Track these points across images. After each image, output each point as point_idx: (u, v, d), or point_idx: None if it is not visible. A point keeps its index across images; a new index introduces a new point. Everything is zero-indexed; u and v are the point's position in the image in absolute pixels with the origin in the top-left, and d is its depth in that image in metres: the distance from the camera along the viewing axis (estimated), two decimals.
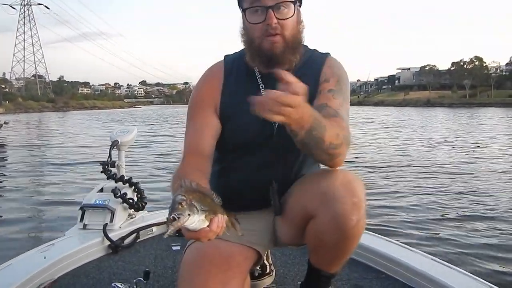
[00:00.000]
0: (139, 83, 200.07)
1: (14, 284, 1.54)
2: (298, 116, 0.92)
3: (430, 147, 11.13)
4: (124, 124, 24.73)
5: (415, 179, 6.48)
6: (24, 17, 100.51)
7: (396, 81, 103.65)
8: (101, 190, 2.21)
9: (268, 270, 1.58)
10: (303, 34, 1.22)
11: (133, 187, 2.20)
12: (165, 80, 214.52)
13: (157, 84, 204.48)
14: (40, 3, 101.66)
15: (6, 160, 9.86)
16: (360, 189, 1.06)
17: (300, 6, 1.22)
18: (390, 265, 1.74)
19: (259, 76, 1.25)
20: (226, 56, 1.33)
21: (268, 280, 1.58)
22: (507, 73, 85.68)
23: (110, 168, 2.09)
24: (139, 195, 2.22)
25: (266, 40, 1.15)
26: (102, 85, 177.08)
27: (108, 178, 2.09)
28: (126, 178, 2.17)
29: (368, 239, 1.89)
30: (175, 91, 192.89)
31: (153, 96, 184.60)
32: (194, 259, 1.17)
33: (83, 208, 2.11)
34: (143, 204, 2.22)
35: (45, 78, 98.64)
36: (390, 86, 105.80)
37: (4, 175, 7.41)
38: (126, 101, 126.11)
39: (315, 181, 1.12)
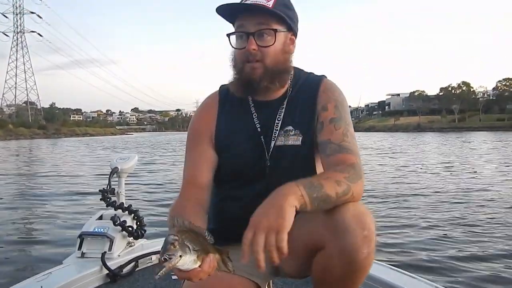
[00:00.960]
0: (131, 110, 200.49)
1: None
2: (268, 220, 0.95)
3: (433, 173, 10.94)
4: (117, 151, 24.56)
5: (423, 206, 6.33)
6: (17, 44, 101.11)
7: (386, 107, 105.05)
8: (100, 218, 2.19)
9: None
10: (289, 63, 1.23)
11: (133, 214, 2.17)
12: (157, 107, 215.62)
13: (149, 111, 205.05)
14: (33, 30, 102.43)
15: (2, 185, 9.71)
16: (371, 222, 1.04)
17: (294, 35, 1.24)
18: None
19: (252, 104, 1.27)
20: (221, 86, 1.34)
21: None
22: (494, 98, 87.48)
23: (110, 196, 2.07)
24: (138, 223, 2.20)
25: (246, 66, 1.17)
26: (94, 112, 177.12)
27: (107, 206, 2.07)
28: (125, 205, 2.15)
29: (373, 268, 1.87)
30: (167, 118, 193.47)
31: (145, 123, 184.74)
32: None
33: (82, 236, 2.08)
34: (143, 232, 2.20)
35: (36, 105, 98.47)
36: (380, 112, 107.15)
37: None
38: (118, 128, 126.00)
39: (324, 212, 1.07)
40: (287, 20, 1.18)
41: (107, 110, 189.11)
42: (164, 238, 0.88)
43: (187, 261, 0.85)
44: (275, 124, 1.23)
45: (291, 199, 0.97)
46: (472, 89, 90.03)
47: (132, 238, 2.17)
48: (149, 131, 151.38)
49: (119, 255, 2.11)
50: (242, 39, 1.17)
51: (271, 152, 1.22)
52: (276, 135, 1.22)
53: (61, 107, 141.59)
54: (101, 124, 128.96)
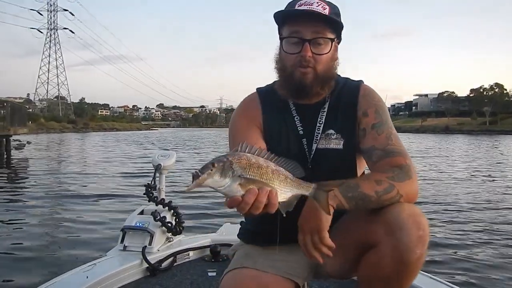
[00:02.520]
0: (157, 106, 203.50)
1: None
2: (309, 224, 1.06)
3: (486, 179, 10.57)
4: (148, 148, 24.94)
5: (472, 213, 6.15)
6: (50, 41, 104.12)
7: (414, 108, 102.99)
8: (142, 213, 2.26)
9: None
10: (336, 70, 1.25)
11: (172, 211, 2.23)
12: (181, 104, 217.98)
13: (174, 107, 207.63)
14: (66, 27, 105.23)
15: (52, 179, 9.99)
16: (425, 223, 1.04)
17: (339, 42, 1.26)
18: None
19: (294, 107, 1.28)
20: (258, 89, 1.37)
21: None
22: None
23: (153, 191, 2.14)
24: (177, 219, 2.26)
25: (297, 70, 1.18)
26: (121, 107, 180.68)
27: (149, 201, 2.14)
28: (166, 201, 2.21)
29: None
30: (191, 114, 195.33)
31: (170, 119, 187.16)
32: None
33: (124, 230, 2.16)
34: (181, 229, 2.25)
35: (67, 100, 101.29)
36: (407, 113, 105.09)
37: (43, 196, 7.52)
38: (144, 124, 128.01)
39: (379, 211, 1.08)
40: (340, 29, 1.22)
41: (133, 106, 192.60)
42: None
43: (224, 184, 0.79)
44: (317, 128, 1.25)
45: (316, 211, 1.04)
46: (505, 91, 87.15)
47: (171, 233, 2.23)
48: (173, 127, 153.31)
49: (158, 250, 2.17)
50: (296, 44, 1.18)
51: (312, 155, 1.23)
52: (318, 138, 1.24)
53: (90, 102, 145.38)
54: (127, 119, 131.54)
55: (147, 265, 2.05)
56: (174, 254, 2.19)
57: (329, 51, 1.20)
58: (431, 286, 1.69)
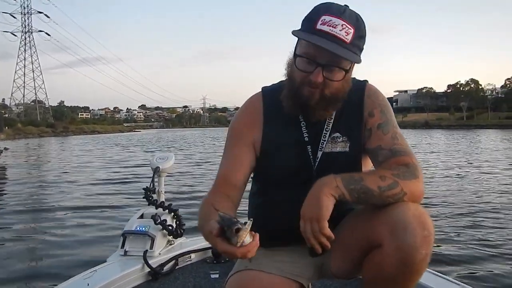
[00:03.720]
0: (139, 107, 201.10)
1: None
2: (310, 211, 1.05)
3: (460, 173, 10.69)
4: (129, 149, 24.67)
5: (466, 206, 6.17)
6: (25, 44, 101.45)
7: (394, 104, 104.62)
8: (141, 216, 2.23)
9: None
10: (347, 90, 1.19)
11: (172, 213, 2.22)
12: (164, 104, 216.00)
13: (157, 108, 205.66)
14: (41, 30, 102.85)
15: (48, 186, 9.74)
16: (430, 223, 1.03)
17: (359, 62, 1.16)
18: None
19: (300, 114, 1.24)
20: (263, 88, 1.33)
21: None
22: (503, 95, 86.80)
23: (152, 195, 2.12)
24: (177, 222, 2.24)
25: (305, 89, 1.14)
26: (102, 109, 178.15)
27: (149, 204, 2.12)
28: (165, 204, 2.19)
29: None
30: (174, 114, 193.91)
31: (153, 120, 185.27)
32: None
33: (124, 235, 2.14)
34: (182, 231, 2.24)
35: (44, 104, 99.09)
36: None
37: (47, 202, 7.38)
38: (126, 125, 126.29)
39: (383, 210, 1.07)
40: (359, 57, 1.14)
41: (115, 108, 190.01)
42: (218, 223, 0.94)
43: (247, 235, 0.93)
44: (323, 135, 1.23)
45: (326, 189, 1.04)
46: (480, 87, 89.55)
47: (171, 236, 2.22)
48: (156, 128, 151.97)
49: (159, 253, 2.15)
50: (309, 64, 1.12)
51: (319, 160, 1.22)
52: (325, 142, 1.22)
53: (69, 105, 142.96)
54: (108, 121, 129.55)
55: (149, 270, 2.03)
56: (175, 257, 2.18)
57: (342, 78, 1.14)
58: (439, 284, 1.70)
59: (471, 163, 12.89)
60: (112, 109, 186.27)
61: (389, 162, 1.13)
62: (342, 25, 1.08)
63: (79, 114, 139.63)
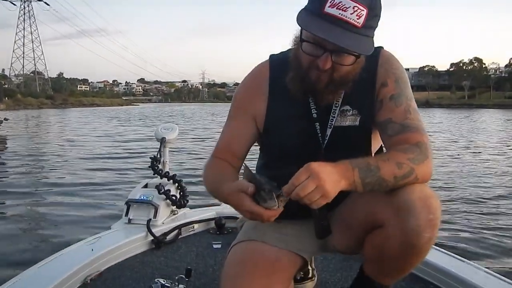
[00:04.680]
0: (138, 80, 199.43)
1: (64, 274, 1.59)
2: (322, 193, 0.93)
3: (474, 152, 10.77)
4: (129, 122, 24.62)
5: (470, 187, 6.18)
6: (24, 14, 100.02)
7: None
8: (146, 186, 2.25)
9: (310, 275, 1.56)
10: (357, 72, 1.10)
11: (177, 184, 2.23)
12: (163, 78, 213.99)
13: (155, 82, 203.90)
14: None
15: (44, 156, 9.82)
16: (437, 206, 0.99)
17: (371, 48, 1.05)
18: (441, 276, 1.65)
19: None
20: (271, 57, 1.25)
21: (309, 285, 1.55)
22: (506, 75, 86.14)
23: (158, 165, 2.12)
24: (181, 193, 2.25)
25: (312, 72, 1.06)
26: (101, 82, 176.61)
27: (154, 174, 2.13)
28: (170, 175, 2.20)
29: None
30: (173, 89, 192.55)
31: (151, 94, 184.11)
32: (239, 261, 1.17)
33: (128, 203, 2.15)
34: (185, 202, 2.25)
35: (44, 75, 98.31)
36: None
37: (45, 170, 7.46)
38: (125, 99, 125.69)
39: (389, 191, 1.03)
40: (371, 41, 1.05)
41: (114, 81, 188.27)
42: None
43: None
44: (333, 111, 1.16)
45: (343, 183, 0.96)
46: (484, 66, 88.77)
47: (175, 206, 2.23)
48: (155, 102, 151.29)
49: (163, 223, 2.17)
50: (317, 48, 1.03)
51: (327, 134, 1.16)
52: (335, 116, 1.16)
53: (68, 77, 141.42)
54: (107, 94, 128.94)
55: (152, 238, 2.05)
56: (178, 227, 2.20)
57: (352, 63, 1.05)
58: (443, 261, 1.71)
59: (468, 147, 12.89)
60: (111, 82, 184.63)
61: (399, 138, 1.06)
62: (353, 7, 0.97)
63: (78, 86, 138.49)
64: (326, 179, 0.93)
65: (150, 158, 2.13)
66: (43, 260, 1.72)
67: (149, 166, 2.14)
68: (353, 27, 0.98)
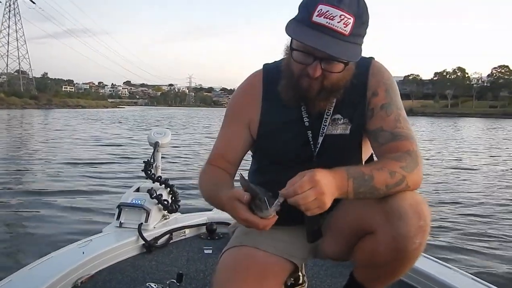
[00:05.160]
0: (124, 83, 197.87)
1: (55, 277, 1.58)
2: (319, 204, 0.94)
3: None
4: (112, 127, 24.37)
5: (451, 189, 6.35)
6: (9, 11, 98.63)
7: None
8: (137, 190, 2.25)
9: (301, 281, 1.56)
10: (348, 79, 1.12)
11: (169, 188, 2.24)
12: (150, 81, 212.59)
13: (142, 85, 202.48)
14: None
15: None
16: (427, 213, 1.01)
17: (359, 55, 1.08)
18: (428, 282, 1.67)
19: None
20: (265, 66, 1.27)
21: None
22: (488, 84, 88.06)
23: (150, 169, 2.13)
24: (173, 197, 2.26)
25: (304, 80, 1.08)
26: (86, 83, 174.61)
27: (147, 178, 2.14)
28: (162, 179, 2.21)
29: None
30: (159, 92, 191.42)
31: (137, 97, 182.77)
32: (231, 266, 1.17)
33: (120, 207, 2.15)
34: (177, 206, 2.26)
35: (28, 74, 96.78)
36: None
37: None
38: (110, 101, 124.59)
39: (380, 198, 1.04)
40: (359, 48, 1.07)
41: (99, 82, 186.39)
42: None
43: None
44: (325, 119, 1.18)
45: (336, 194, 0.98)
46: (466, 75, 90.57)
47: (166, 211, 2.24)
48: (141, 105, 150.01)
49: (154, 227, 2.18)
50: (307, 56, 1.04)
51: (319, 145, 1.18)
52: (327, 124, 1.17)
53: (53, 78, 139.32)
54: (93, 96, 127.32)
55: (143, 242, 2.05)
56: (170, 232, 2.20)
57: (342, 70, 1.06)
58: (432, 268, 1.74)
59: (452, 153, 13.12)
60: (96, 83, 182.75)
61: (389, 146, 1.09)
62: (340, 16, 0.99)
63: (63, 87, 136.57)
64: (326, 192, 0.94)
65: (144, 162, 2.14)
66: (33, 262, 1.71)
67: (142, 170, 2.14)
68: (340, 35, 1.00)
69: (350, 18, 1.00)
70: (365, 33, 1.07)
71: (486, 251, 3.67)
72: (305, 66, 1.05)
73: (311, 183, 0.93)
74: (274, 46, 1.16)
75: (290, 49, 1.08)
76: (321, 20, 0.99)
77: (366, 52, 1.12)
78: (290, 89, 1.12)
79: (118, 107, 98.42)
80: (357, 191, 0.99)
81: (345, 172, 0.99)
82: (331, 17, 0.99)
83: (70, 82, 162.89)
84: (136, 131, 19.42)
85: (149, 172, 2.12)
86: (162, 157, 2.35)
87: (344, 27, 1.00)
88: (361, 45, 1.06)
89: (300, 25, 1.02)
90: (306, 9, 1.02)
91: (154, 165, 2.21)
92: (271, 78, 1.21)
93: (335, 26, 0.99)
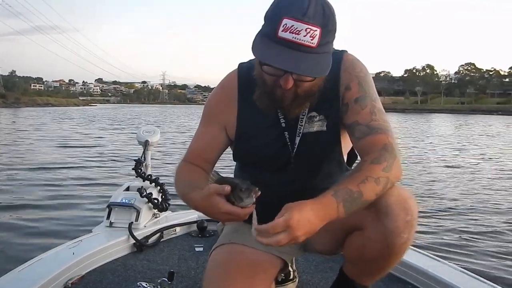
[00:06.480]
0: (95, 80, 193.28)
1: (45, 278, 1.56)
2: (305, 235, 0.93)
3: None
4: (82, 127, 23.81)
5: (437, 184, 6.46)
6: None
7: None
8: (127, 189, 2.24)
9: (291, 276, 1.59)
10: (321, 84, 1.10)
11: (159, 187, 2.23)
12: (122, 79, 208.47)
13: (114, 82, 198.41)
14: None
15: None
16: (414, 208, 1.04)
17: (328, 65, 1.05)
18: (418, 275, 1.71)
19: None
20: (240, 65, 1.26)
21: (291, 286, 1.59)
22: (456, 81, 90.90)
23: (141, 167, 2.12)
24: (163, 196, 2.26)
25: (278, 90, 1.06)
26: (56, 81, 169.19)
27: (137, 176, 2.12)
28: (153, 177, 2.20)
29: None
30: (132, 90, 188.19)
31: (110, 94, 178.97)
32: (221, 263, 1.19)
33: (110, 206, 2.13)
34: (167, 205, 2.25)
35: None
36: None
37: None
38: (82, 99, 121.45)
39: None
40: (328, 57, 1.05)
41: (70, 80, 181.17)
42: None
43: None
44: (300, 119, 1.19)
45: (325, 221, 0.97)
46: (435, 72, 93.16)
47: (157, 210, 2.23)
48: (114, 103, 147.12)
49: (145, 226, 2.17)
50: (277, 69, 1.02)
51: (297, 140, 1.19)
52: (303, 123, 1.18)
53: (22, 75, 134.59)
54: (63, 94, 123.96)
55: (134, 241, 2.04)
56: (160, 230, 2.20)
57: (314, 79, 1.05)
58: (418, 260, 1.78)
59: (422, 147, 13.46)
60: (67, 81, 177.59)
61: (366, 141, 1.09)
62: (306, 30, 0.97)
63: (32, 85, 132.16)
64: (301, 234, 0.93)
65: (134, 160, 2.13)
66: (23, 264, 1.68)
67: (132, 168, 2.13)
68: (308, 48, 0.98)
69: (316, 30, 0.98)
70: (334, 38, 1.06)
71: (469, 244, 3.80)
72: (277, 78, 1.04)
73: (284, 227, 0.91)
74: (248, 42, 1.13)
75: (260, 62, 1.06)
76: (287, 35, 0.98)
77: (337, 47, 1.11)
78: (264, 98, 1.12)
79: (90, 105, 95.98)
80: (349, 211, 0.98)
81: (333, 198, 0.97)
82: (297, 32, 0.97)
83: (39, 80, 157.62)
84: (110, 130, 19.06)
85: (139, 170, 2.11)
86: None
87: (311, 39, 0.98)
88: (330, 52, 1.05)
89: (267, 41, 1.01)
90: (271, 23, 1.00)
91: (144, 164, 2.20)
92: (245, 79, 1.21)
93: (302, 40, 0.98)
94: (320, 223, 0.96)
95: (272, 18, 1.01)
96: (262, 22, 1.06)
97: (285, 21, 0.97)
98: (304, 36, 0.97)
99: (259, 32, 1.05)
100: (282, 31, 0.98)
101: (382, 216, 1.03)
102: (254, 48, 1.02)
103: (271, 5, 1.04)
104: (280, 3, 1.02)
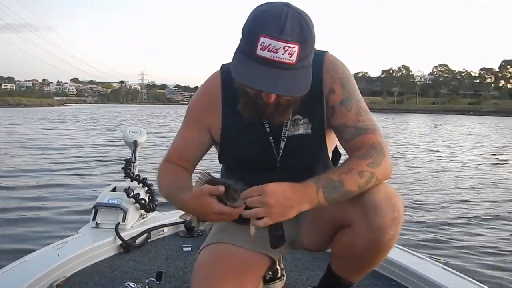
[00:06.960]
0: (71, 80, 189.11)
1: (29, 280, 1.54)
2: (280, 212, 0.98)
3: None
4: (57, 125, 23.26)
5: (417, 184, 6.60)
6: None
7: None
8: (114, 190, 2.21)
9: (279, 275, 1.59)
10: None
11: (146, 187, 2.21)
12: (99, 78, 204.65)
13: (90, 82, 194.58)
14: None
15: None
16: (400, 205, 1.07)
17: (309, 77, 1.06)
18: (402, 273, 1.74)
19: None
20: (223, 67, 1.24)
21: (279, 285, 1.59)
22: (430, 82, 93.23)
23: (130, 168, 2.10)
24: (150, 196, 2.24)
25: (260, 100, 1.07)
26: (29, 81, 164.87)
27: (125, 176, 2.10)
28: (141, 178, 2.19)
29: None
30: (110, 89, 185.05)
31: (86, 94, 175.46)
32: (209, 262, 1.20)
33: (96, 207, 2.10)
34: (154, 206, 2.23)
35: None
36: None
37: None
38: (56, 99, 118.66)
39: None
40: (308, 70, 1.05)
41: (44, 80, 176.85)
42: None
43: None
44: (285, 123, 1.19)
45: (306, 205, 1.00)
46: (411, 73, 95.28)
47: (144, 210, 2.21)
48: (90, 103, 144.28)
49: (132, 227, 2.14)
50: None
51: (282, 144, 1.20)
52: (288, 127, 1.19)
53: None
54: (36, 94, 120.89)
55: (121, 242, 2.02)
56: (148, 231, 2.18)
57: None
58: (403, 258, 1.82)
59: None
60: (40, 81, 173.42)
61: (355, 141, 1.11)
62: (284, 48, 0.97)
63: (3, 85, 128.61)
64: (274, 202, 0.97)
65: (125, 160, 2.10)
66: (6, 266, 1.65)
67: (121, 168, 2.11)
68: (287, 65, 0.98)
69: (294, 47, 0.97)
70: (313, 48, 1.06)
71: (453, 242, 3.91)
72: (258, 92, 1.04)
73: (260, 191, 0.98)
74: (227, 41, 1.13)
75: (242, 84, 1.06)
76: (265, 54, 0.97)
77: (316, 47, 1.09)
78: (248, 108, 1.12)
79: (65, 105, 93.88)
80: (329, 198, 1.01)
81: (314, 184, 1.01)
82: (275, 50, 0.97)
83: (10, 79, 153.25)
84: (88, 130, 18.72)
85: (128, 171, 2.09)
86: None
87: (290, 57, 0.98)
88: (309, 66, 1.05)
89: (246, 59, 1.01)
90: (249, 41, 1.00)
91: (132, 164, 2.18)
92: (228, 81, 1.17)
93: (280, 58, 0.97)
94: (296, 201, 0.99)
95: (249, 35, 1.00)
96: (241, 22, 1.04)
97: (262, 39, 0.97)
98: (283, 54, 0.97)
99: (237, 48, 1.05)
100: (260, 49, 0.97)
101: (370, 212, 1.05)
102: (234, 69, 1.02)
103: (247, 20, 1.02)
104: (256, 19, 1.01)
